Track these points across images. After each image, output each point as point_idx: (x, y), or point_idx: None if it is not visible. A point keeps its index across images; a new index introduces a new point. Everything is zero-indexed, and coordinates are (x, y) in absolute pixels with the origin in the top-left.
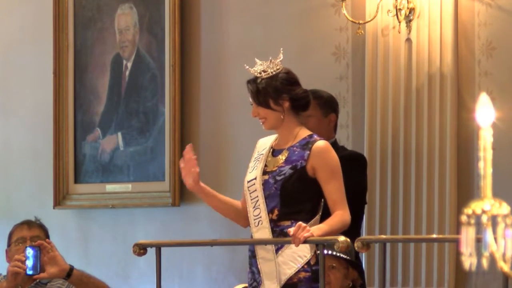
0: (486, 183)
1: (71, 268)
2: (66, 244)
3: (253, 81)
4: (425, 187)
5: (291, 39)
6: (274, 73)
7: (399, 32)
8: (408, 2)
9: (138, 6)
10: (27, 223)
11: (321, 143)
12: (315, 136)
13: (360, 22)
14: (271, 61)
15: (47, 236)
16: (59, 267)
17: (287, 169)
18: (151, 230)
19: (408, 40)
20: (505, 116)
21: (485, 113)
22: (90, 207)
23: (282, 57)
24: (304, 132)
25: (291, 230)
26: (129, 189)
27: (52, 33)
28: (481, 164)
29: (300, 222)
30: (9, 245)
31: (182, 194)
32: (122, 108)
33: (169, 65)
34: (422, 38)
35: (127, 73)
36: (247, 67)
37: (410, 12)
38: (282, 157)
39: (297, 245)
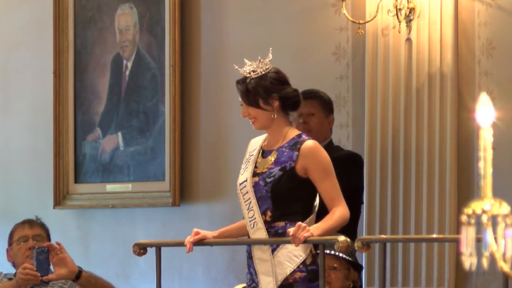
0: (486, 183)
1: (80, 270)
2: (66, 244)
3: (242, 81)
4: (425, 187)
5: (291, 39)
6: (263, 72)
7: (399, 32)
8: (408, 2)
9: (138, 6)
10: (29, 222)
11: (309, 143)
12: (304, 136)
13: (360, 22)
14: (260, 60)
15: (49, 235)
16: (68, 269)
17: (276, 171)
18: (151, 230)
19: (408, 40)
20: (505, 116)
21: (485, 113)
22: (90, 207)
23: (271, 57)
24: (292, 132)
25: (291, 230)
26: (129, 189)
27: (52, 33)
28: (481, 164)
29: (299, 222)
30: (10, 244)
31: (182, 194)
32: (122, 108)
33: (169, 65)
34: (422, 38)
35: (127, 73)
36: (236, 67)
37: (410, 12)
38: (271, 158)
39: (297, 245)
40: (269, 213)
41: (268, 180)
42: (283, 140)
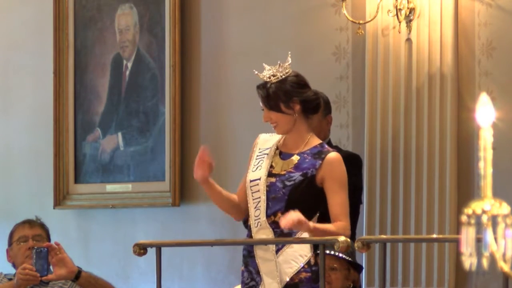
0: (486, 183)
1: (79, 270)
2: (66, 244)
3: (262, 86)
4: (425, 187)
5: (291, 39)
6: (283, 76)
7: (399, 32)
8: (408, 2)
9: (138, 6)
10: (29, 222)
11: (334, 155)
12: (327, 147)
13: (360, 22)
14: (280, 65)
15: (48, 235)
16: (67, 269)
17: (297, 176)
18: (151, 230)
19: (408, 40)
20: (505, 116)
21: (485, 113)
22: (90, 207)
23: (290, 61)
24: (315, 140)
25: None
26: (129, 189)
27: (52, 33)
28: (481, 164)
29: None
30: (10, 244)
31: (182, 194)
32: (122, 108)
33: (169, 65)
34: (422, 38)
35: (127, 73)
36: (256, 72)
37: (410, 12)
38: (292, 162)
39: (283, 225)
40: (279, 215)
41: (288, 183)
42: (304, 146)
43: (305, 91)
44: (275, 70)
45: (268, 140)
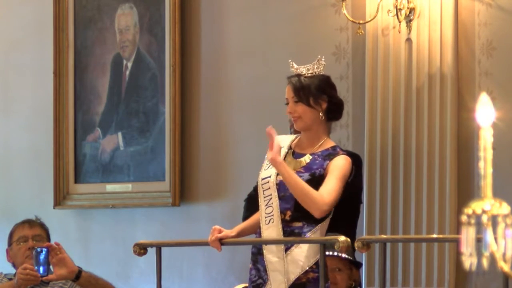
0: (486, 183)
1: (80, 270)
2: (66, 244)
3: (296, 77)
4: (425, 187)
5: (291, 39)
6: (317, 73)
7: (399, 32)
8: (408, 2)
9: (138, 6)
10: (28, 222)
11: (343, 156)
12: (338, 149)
13: (360, 22)
14: (318, 60)
15: (48, 235)
16: (68, 269)
17: (306, 176)
18: (151, 230)
19: (408, 40)
20: (505, 116)
21: (485, 113)
22: (90, 207)
23: (324, 63)
24: (329, 143)
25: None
26: (129, 189)
27: (52, 33)
28: (481, 164)
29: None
30: (10, 244)
31: (182, 194)
32: (122, 108)
33: (169, 65)
34: (422, 38)
35: (127, 73)
36: (292, 63)
37: (410, 12)
38: (303, 162)
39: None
40: (288, 213)
41: None
42: (318, 147)
43: (334, 92)
44: (310, 66)
45: (283, 140)
